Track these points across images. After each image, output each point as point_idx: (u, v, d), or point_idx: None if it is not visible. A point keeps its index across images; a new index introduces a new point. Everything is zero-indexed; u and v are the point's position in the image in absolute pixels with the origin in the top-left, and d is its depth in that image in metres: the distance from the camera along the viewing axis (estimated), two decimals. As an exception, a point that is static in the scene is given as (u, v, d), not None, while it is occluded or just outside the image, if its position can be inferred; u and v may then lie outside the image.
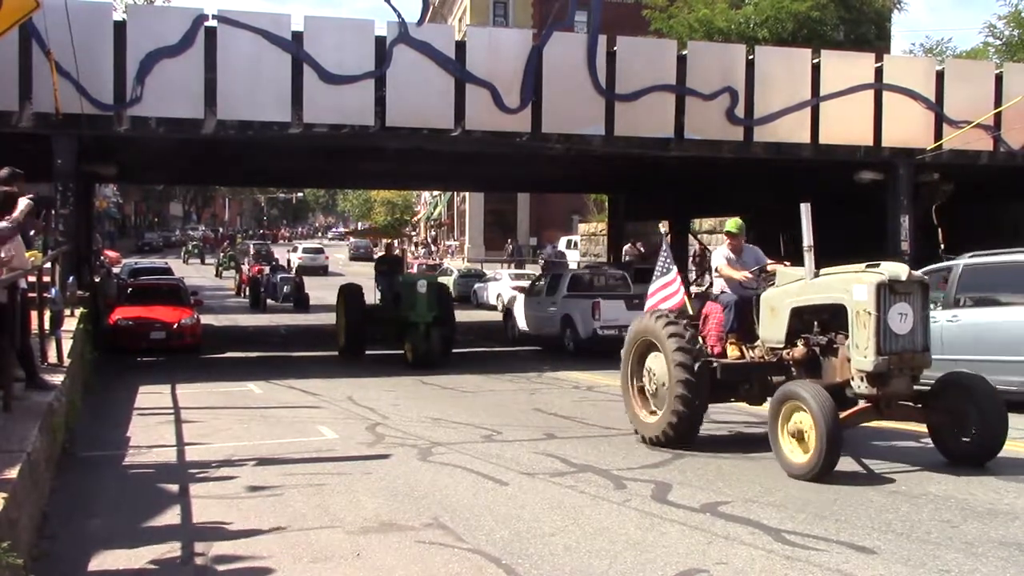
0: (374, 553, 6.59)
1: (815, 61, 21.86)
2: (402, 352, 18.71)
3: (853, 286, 8.88)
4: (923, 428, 9.53)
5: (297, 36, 18.03)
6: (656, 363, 10.34)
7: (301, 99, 18.00)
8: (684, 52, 21.26)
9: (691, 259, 35.34)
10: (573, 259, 47.09)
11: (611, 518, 7.37)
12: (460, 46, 19.25)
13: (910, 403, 9.22)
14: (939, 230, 22.07)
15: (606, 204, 40.93)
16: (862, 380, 8.83)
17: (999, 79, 23.09)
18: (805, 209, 9.51)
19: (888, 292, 8.72)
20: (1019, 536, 6.76)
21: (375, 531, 7.10)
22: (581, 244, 48.72)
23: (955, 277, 13.12)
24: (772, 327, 9.88)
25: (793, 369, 9.73)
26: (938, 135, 22.18)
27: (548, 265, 46.49)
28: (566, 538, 6.83)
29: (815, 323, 9.52)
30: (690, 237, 35.03)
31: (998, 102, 22.62)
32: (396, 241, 50.64)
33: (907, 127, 22.19)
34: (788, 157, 22.01)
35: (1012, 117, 22.66)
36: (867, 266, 9.12)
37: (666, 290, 11.70)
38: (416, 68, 18.57)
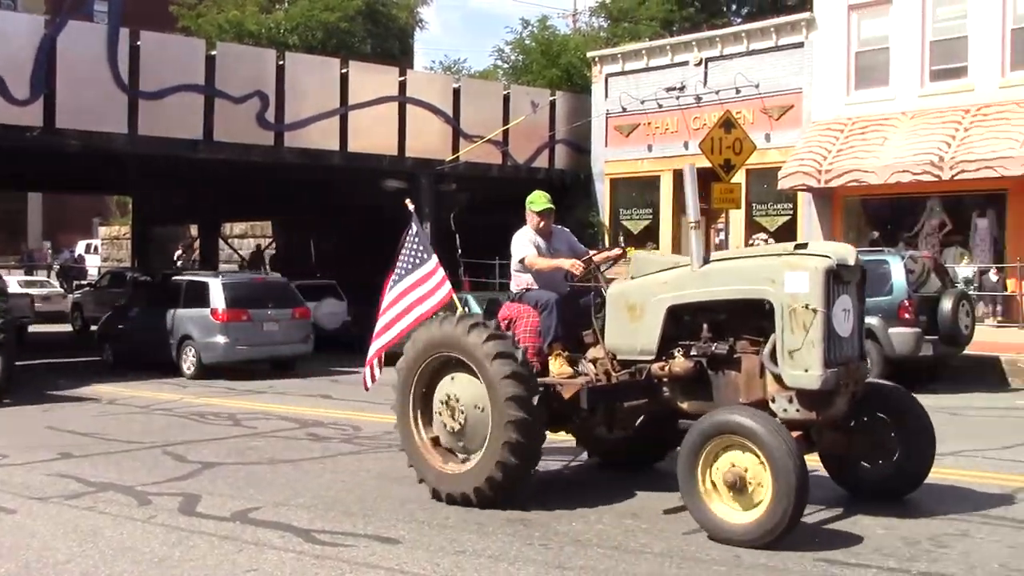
0: None
1: (344, 71, 22.50)
2: None
3: (785, 274, 6.74)
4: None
5: None
6: (463, 390, 7.68)
7: None
8: (213, 52, 20.85)
9: (241, 261, 34.64)
10: (94, 264, 44.05)
11: (135, 537, 7.00)
12: (-45, 27, 17.21)
13: None
14: (457, 236, 23.75)
15: (130, 206, 38.82)
16: (791, 401, 6.73)
17: (507, 99, 25.43)
18: (689, 170, 7.43)
19: (834, 281, 6.74)
20: (522, 513, 7.45)
21: None
22: (103, 248, 45.75)
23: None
24: (633, 333, 7.52)
25: (665, 389, 7.50)
26: (455, 148, 23.88)
27: (65, 271, 43.02)
28: (84, 563, 6.37)
29: (704, 326, 7.29)
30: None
31: (506, 120, 24.89)
32: None
33: (428, 139, 23.63)
34: (318, 163, 22.42)
35: (517, 134, 25.06)
36: (796, 246, 7.22)
37: (427, 283, 8.95)
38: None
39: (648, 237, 25.13)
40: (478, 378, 7.52)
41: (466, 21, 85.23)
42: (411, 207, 9.72)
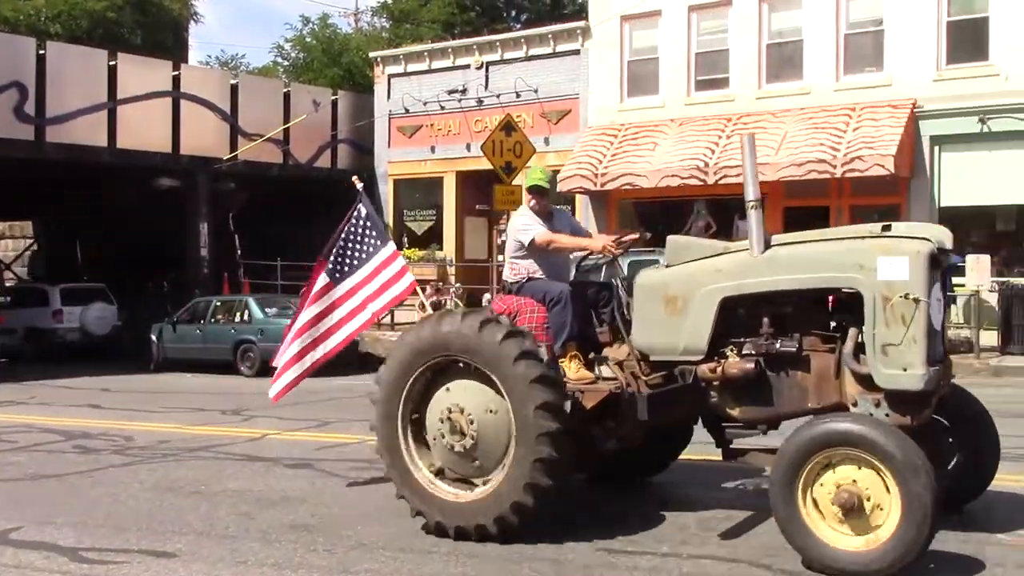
0: None
1: (112, 63, 21.43)
2: None
3: (878, 259, 5.85)
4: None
5: None
6: (469, 400, 6.50)
7: None
8: (-37, 39, 19.35)
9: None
10: None
11: None
12: None
13: None
14: (236, 237, 23.08)
15: None
16: (879, 405, 5.89)
17: (287, 97, 24.96)
18: (748, 142, 6.57)
19: (931, 268, 5.85)
20: (306, 519, 7.34)
21: None
22: None
23: None
24: (673, 329, 6.52)
25: (713, 394, 6.50)
26: (233, 146, 23.22)
27: None
28: None
29: (765, 320, 6.34)
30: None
31: (287, 118, 24.43)
32: None
33: (205, 136, 22.87)
34: (84, 160, 21.23)
35: (299, 133, 24.64)
36: (883, 227, 6.20)
37: (386, 271, 7.72)
38: None
39: (432, 238, 25.29)
40: (489, 385, 6.40)
41: (244, 16, 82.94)
42: (359, 185, 8.35)
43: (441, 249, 24.85)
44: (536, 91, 23.42)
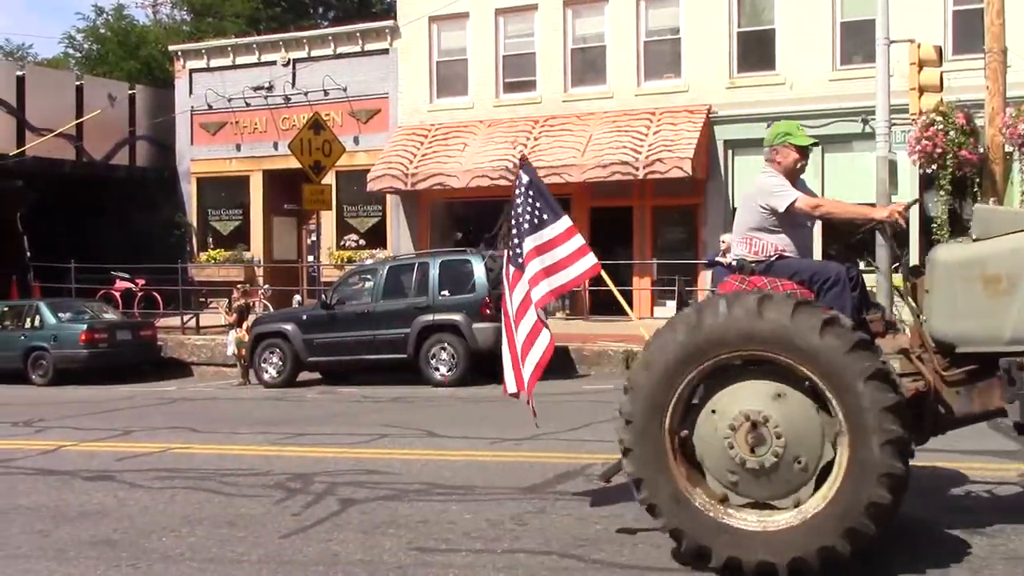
0: None
1: None
2: None
3: None
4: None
5: None
6: (754, 400, 5.32)
7: None
8: None
9: None
10: None
11: None
12: None
13: None
14: (25, 238, 21.79)
15: None
16: None
17: (80, 90, 23.76)
18: None
19: None
20: (108, 533, 7.02)
21: None
22: None
23: None
24: (996, 314, 5.41)
25: None
26: (21, 141, 21.95)
27: None
28: None
29: None
30: None
31: (80, 113, 23.25)
32: None
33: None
34: None
35: (93, 128, 23.51)
36: None
37: (563, 247, 6.56)
38: None
39: (238, 239, 24.63)
40: (766, 377, 5.34)
41: (31, 3, 77.95)
42: (520, 154, 7.36)
43: (248, 250, 24.24)
44: (345, 90, 23.20)
